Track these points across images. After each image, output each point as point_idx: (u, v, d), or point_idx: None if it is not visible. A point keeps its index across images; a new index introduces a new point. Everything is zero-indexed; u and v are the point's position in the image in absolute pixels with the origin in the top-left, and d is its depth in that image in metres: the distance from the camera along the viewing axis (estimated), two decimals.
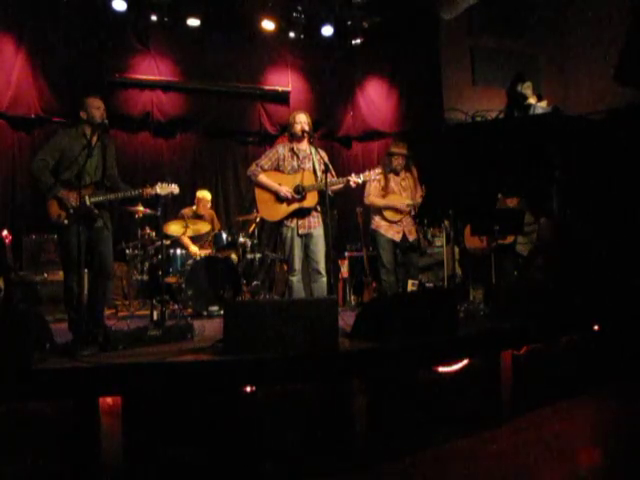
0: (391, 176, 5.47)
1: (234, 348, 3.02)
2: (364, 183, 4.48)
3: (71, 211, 3.70)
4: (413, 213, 5.52)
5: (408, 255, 5.57)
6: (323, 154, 4.46)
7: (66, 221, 3.71)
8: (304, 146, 4.51)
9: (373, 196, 5.46)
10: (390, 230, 5.41)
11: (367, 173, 4.36)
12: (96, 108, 3.93)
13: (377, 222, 5.48)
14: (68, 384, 2.76)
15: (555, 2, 8.66)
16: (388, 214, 5.42)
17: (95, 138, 3.88)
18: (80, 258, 3.55)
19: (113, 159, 4.13)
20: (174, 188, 4.16)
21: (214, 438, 2.89)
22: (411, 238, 5.48)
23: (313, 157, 4.47)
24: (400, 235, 5.42)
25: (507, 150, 6.57)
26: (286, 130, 4.78)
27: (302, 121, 4.45)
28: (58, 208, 3.77)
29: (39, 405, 2.72)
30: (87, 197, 3.82)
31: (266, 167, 4.46)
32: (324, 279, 4.38)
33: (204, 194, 6.52)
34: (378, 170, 4.48)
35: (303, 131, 4.42)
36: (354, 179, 4.32)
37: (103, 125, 3.93)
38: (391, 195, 5.43)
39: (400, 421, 3.26)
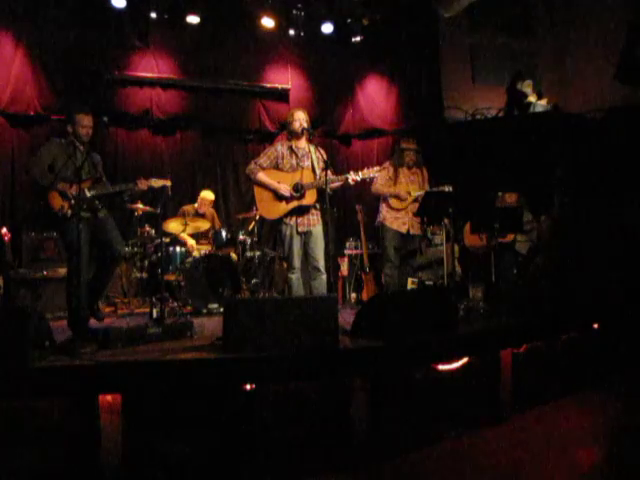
0: (401, 169, 5.54)
1: (234, 346, 3.02)
2: (363, 180, 4.49)
3: (72, 201, 3.83)
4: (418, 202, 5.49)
5: (408, 256, 5.58)
6: (322, 152, 4.45)
7: (69, 211, 3.84)
8: (303, 144, 4.52)
9: (379, 184, 5.50)
10: (395, 222, 5.45)
11: (365, 171, 4.38)
12: (82, 126, 4.08)
13: (383, 214, 5.53)
14: (67, 382, 2.75)
15: (555, 0, 8.65)
16: (393, 202, 5.48)
17: (82, 147, 4.07)
18: (81, 248, 3.71)
19: (102, 170, 4.31)
20: (166, 181, 4.42)
21: (214, 436, 2.89)
22: (414, 232, 5.49)
23: (312, 155, 4.49)
24: (406, 227, 5.46)
25: (507, 148, 6.57)
26: (285, 128, 4.78)
27: (300, 118, 4.45)
28: (61, 200, 3.90)
29: (38, 403, 2.72)
30: (86, 189, 4.01)
31: (265, 165, 4.46)
32: (324, 277, 4.39)
33: (207, 194, 6.53)
34: (376, 168, 4.49)
35: (303, 128, 4.42)
36: (353, 177, 4.33)
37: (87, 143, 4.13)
38: (398, 185, 5.49)
39: (400, 419, 3.26)
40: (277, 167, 4.46)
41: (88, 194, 4.01)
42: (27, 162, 4.09)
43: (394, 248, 5.43)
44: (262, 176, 4.42)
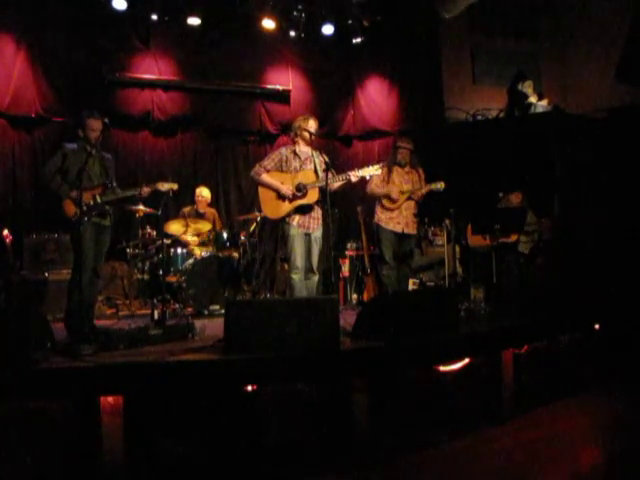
0: (395, 168, 5.52)
1: (235, 347, 3.02)
2: (365, 180, 4.54)
3: (85, 208, 4.03)
4: (412, 200, 5.47)
5: (406, 256, 5.57)
6: (324, 156, 4.51)
7: (82, 217, 4.02)
8: (305, 148, 4.68)
9: (373, 185, 5.48)
10: (390, 222, 5.40)
11: (366, 168, 4.44)
12: (92, 130, 4.22)
13: (378, 215, 5.49)
14: (69, 383, 2.76)
15: (555, 1, 8.65)
16: (386, 202, 5.44)
17: (94, 151, 4.19)
18: (86, 251, 3.96)
19: (113, 172, 4.43)
20: (173, 185, 4.55)
21: (215, 437, 2.89)
22: (408, 231, 5.43)
23: (315, 159, 4.63)
24: (400, 226, 5.39)
25: (508, 149, 6.57)
26: (287, 130, 4.84)
27: (313, 127, 4.61)
28: (74, 207, 4.07)
29: (40, 405, 2.72)
30: (98, 196, 4.21)
31: (269, 168, 4.61)
32: (316, 277, 4.55)
33: (201, 190, 6.49)
34: (377, 165, 4.51)
35: (311, 135, 4.58)
36: (354, 174, 4.39)
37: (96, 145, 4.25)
38: (391, 185, 5.46)
39: (401, 420, 3.26)
40: (281, 170, 4.60)
41: (99, 200, 4.20)
42: (42, 172, 4.27)
43: (390, 249, 5.42)
44: (266, 177, 4.56)
